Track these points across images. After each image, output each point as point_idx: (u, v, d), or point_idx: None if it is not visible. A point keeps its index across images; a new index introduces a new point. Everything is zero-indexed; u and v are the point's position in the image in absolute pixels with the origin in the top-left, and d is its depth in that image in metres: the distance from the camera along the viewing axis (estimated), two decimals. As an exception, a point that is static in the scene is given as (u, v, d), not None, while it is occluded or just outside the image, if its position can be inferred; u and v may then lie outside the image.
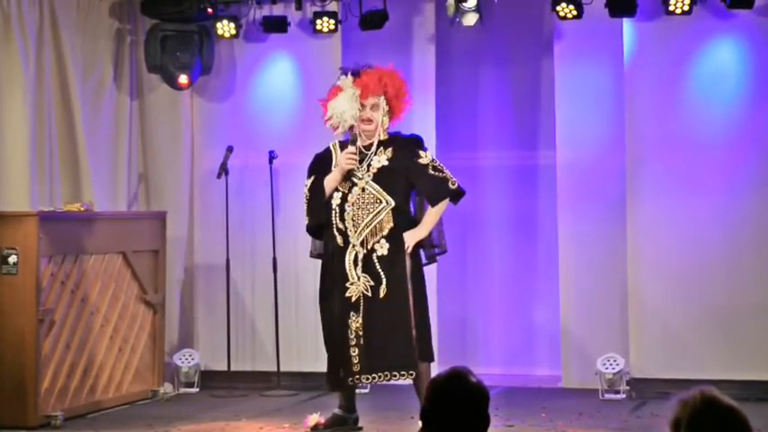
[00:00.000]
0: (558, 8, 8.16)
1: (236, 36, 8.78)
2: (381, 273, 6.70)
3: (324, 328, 6.92)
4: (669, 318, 8.20)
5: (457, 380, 3.06)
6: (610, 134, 8.47)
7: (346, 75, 6.89)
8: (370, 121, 6.83)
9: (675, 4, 7.98)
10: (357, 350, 6.68)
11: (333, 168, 6.85)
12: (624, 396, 8.08)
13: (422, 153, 6.86)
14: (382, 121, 6.85)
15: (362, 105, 6.82)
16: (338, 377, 6.78)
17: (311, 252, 7.15)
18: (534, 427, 7.09)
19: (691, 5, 7.97)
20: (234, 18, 8.73)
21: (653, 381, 8.13)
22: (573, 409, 7.66)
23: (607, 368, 8.12)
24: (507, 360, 9.11)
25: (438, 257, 7.13)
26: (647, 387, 8.14)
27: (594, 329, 8.43)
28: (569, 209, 8.52)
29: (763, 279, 8.03)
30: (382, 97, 6.84)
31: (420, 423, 3.11)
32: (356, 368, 6.68)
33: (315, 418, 6.90)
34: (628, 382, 8.13)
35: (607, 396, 8.08)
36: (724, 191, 8.14)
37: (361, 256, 6.73)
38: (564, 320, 8.52)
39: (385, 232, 6.74)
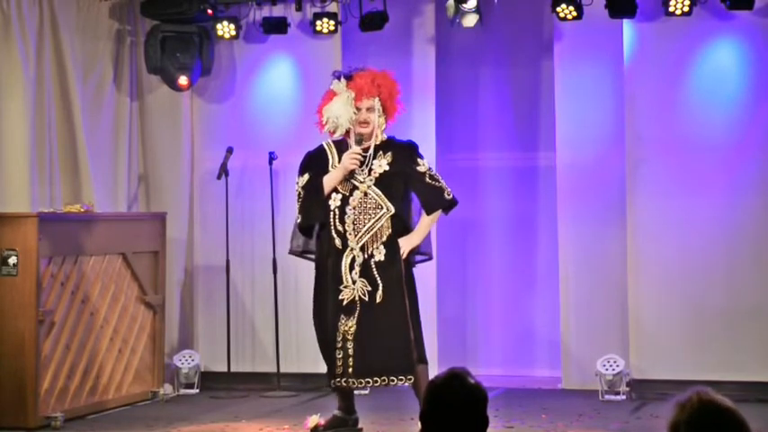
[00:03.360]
0: (558, 9, 8.16)
1: (236, 37, 8.77)
2: (378, 278, 6.69)
3: (317, 330, 6.90)
4: (669, 319, 8.20)
5: (455, 381, 3.06)
6: (610, 135, 8.47)
7: (339, 79, 6.89)
8: (366, 123, 6.82)
9: (675, 5, 7.97)
10: (342, 353, 6.66)
11: (331, 168, 6.83)
12: (624, 397, 8.08)
13: (420, 161, 6.85)
14: (379, 123, 6.85)
15: (357, 108, 6.83)
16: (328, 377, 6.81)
17: (291, 249, 7.10)
18: (534, 429, 7.09)
19: (691, 6, 7.97)
20: (234, 19, 8.73)
21: (653, 382, 8.13)
22: (573, 410, 7.65)
23: (607, 369, 8.12)
24: (507, 361, 9.11)
25: (417, 264, 7.11)
26: (647, 388, 8.13)
27: (594, 331, 8.43)
28: (569, 210, 8.52)
29: (763, 280, 8.03)
30: (377, 99, 6.83)
31: (419, 424, 3.11)
32: (339, 371, 6.66)
33: (315, 420, 6.91)
34: (628, 384, 8.13)
35: (607, 397, 8.07)
36: (724, 192, 8.13)
37: (359, 261, 6.71)
38: (564, 321, 8.52)
39: (384, 239, 6.74)
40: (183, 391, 8.60)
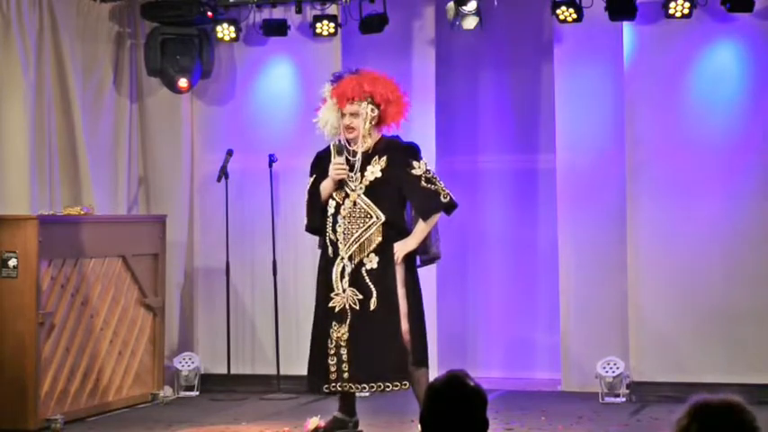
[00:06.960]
0: (558, 11, 8.16)
1: (236, 39, 8.77)
2: (371, 285, 6.67)
3: (312, 334, 6.93)
4: (669, 321, 8.19)
5: (455, 383, 3.06)
6: (610, 138, 8.47)
7: (332, 83, 6.88)
8: (350, 128, 6.79)
9: (675, 8, 7.97)
10: (335, 359, 6.68)
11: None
12: (624, 399, 8.08)
13: (415, 164, 6.77)
14: (367, 128, 6.80)
15: (342, 114, 6.80)
16: (315, 381, 6.82)
17: (319, 245, 7.13)
18: (534, 431, 7.09)
19: (691, 9, 7.97)
20: (234, 21, 8.73)
21: (653, 384, 8.13)
22: (573, 412, 7.65)
23: (607, 371, 8.12)
24: (507, 363, 9.10)
25: (435, 262, 7.11)
26: (647, 390, 8.13)
27: (594, 333, 8.43)
28: (569, 212, 8.52)
29: (763, 282, 8.03)
30: (365, 103, 6.78)
31: (419, 427, 3.11)
32: (332, 376, 6.69)
33: (315, 422, 6.91)
34: (628, 386, 8.13)
35: (607, 399, 8.07)
36: (724, 195, 8.13)
37: (349, 270, 6.69)
38: (564, 324, 8.52)
39: (373, 247, 6.70)
40: (182, 394, 8.60)
